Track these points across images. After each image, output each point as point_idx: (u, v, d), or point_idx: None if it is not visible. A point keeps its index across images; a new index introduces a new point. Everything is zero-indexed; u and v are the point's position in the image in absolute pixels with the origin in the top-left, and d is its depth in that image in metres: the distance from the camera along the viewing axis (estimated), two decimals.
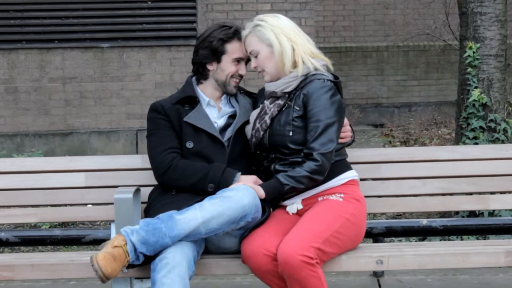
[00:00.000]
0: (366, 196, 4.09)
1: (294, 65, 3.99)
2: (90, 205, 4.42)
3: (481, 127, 6.59)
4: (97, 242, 4.99)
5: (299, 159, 3.91)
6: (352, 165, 4.12)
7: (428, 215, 6.52)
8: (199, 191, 3.91)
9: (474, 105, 6.59)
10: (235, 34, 4.10)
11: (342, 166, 4.02)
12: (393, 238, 5.92)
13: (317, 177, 3.88)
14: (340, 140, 4.00)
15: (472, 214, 6.23)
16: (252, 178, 3.96)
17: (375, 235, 5.06)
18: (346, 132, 4.09)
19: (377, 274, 5.33)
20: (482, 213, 6.24)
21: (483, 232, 5.34)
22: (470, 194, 4.46)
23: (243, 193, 3.74)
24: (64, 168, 4.40)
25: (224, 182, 3.90)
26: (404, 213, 6.71)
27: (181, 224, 3.66)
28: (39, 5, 9.81)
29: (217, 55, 4.11)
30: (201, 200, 3.77)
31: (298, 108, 3.95)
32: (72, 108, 9.84)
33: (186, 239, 3.69)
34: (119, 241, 3.63)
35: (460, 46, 6.88)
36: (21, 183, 4.37)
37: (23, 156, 8.45)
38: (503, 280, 5.28)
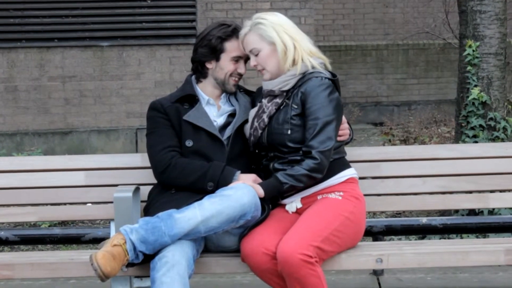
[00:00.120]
0: (365, 195, 4.09)
1: (293, 63, 3.99)
2: (90, 204, 4.42)
3: (480, 125, 6.59)
4: (97, 241, 4.98)
5: (298, 158, 3.91)
6: (351, 164, 4.12)
7: (428, 213, 6.53)
8: (198, 190, 3.91)
9: (473, 103, 6.58)
10: (234, 32, 4.10)
11: (341, 164, 4.02)
12: (392, 237, 5.92)
13: (316, 175, 3.88)
14: (338, 138, 3.99)
15: (471, 212, 6.23)
16: (252, 176, 3.96)
17: (374, 234, 5.06)
18: (345, 130, 4.09)
19: (376, 273, 5.33)
20: (482, 212, 6.24)
21: (482, 230, 5.34)
22: (470, 192, 4.46)
23: (243, 191, 3.74)
24: (64, 167, 4.40)
25: (223, 181, 3.90)
26: (403, 211, 6.71)
27: (181, 223, 3.66)
28: (39, 4, 9.81)
29: (216, 53, 4.11)
30: (201, 198, 3.77)
31: (296, 107, 3.94)
32: (71, 107, 9.84)
33: (186, 238, 3.69)
34: (119, 239, 3.63)
35: (459, 45, 6.88)
36: (21, 182, 4.36)
37: (22, 155, 8.45)
38: (502, 278, 5.28)
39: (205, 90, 4.18)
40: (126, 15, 9.90)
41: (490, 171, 4.38)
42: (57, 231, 5.17)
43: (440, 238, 5.92)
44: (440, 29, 12.01)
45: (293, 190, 3.93)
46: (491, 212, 6.24)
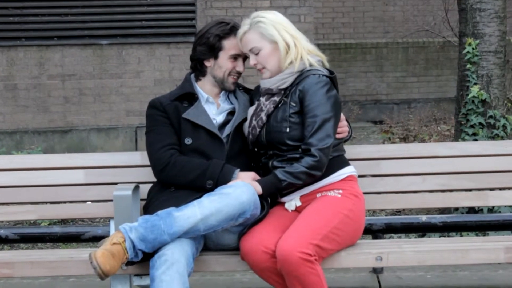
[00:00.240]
0: (365, 193, 4.09)
1: (292, 61, 3.99)
2: (90, 202, 4.42)
3: (480, 123, 6.59)
4: (97, 239, 4.99)
5: (297, 155, 3.91)
6: (351, 162, 4.11)
7: (428, 211, 6.53)
8: (197, 188, 3.90)
9: (473, 101, 6.59)
10: (232, 30, 4.09)
11: (340, 162, 4.02)
12: (392, 235, 5.92)
13: (315, 173, 3.88)
14: (337, 136, 3.99)
15: (471, 210, 6.23)
16: (251, 174, 3.96)
17: (374, 232, 5.06)
18: (343, 127, 4.08)
19: (376, 271, 5.33)
20: (482, 210, 6.24)
21: (482, 228, 5.35)
22: (470, 190, 4.46)
23: (242, 189, 3.74)
24: (64, 165, 4.40)
25: (222, 179, 3.89)
26: (403, 209, 6.71)
27: (180, 221, 3.66)
28: (38, 2, 9.80)
29: (214, 51, 4.10)
30: (200, 197, 3.77)
31: (294, 104, 3.94)
32: (71, 105, 9.84)
33: (185, 236, 3.69)
34: (118, 238, 3.63)
35: (459, 43, 6.88)
36: (21, 180, 4.37)
37: (22, 153, 8.45)
38: (502, 276, 5.28)
39: (204, 88, 4.18)
40: (126, 14, 9.89)
41: (489, 169, 4.38)
42: (56, 229, 5.17)
43: (439, 236, 5.92)
44: (440, 27, 12.01)
45: (292, 188, 3.92)
46: (491, 210, 6.24)
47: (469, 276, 5.29)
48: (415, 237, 6.06)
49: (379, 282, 5.22)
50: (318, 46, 4.12)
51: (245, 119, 4.09)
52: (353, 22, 14.31)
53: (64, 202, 4.46)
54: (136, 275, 3.92)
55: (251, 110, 4.07)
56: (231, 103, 4.18)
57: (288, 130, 3.93)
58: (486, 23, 6.58)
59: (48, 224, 6.56)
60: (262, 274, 3.81)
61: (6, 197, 4.35)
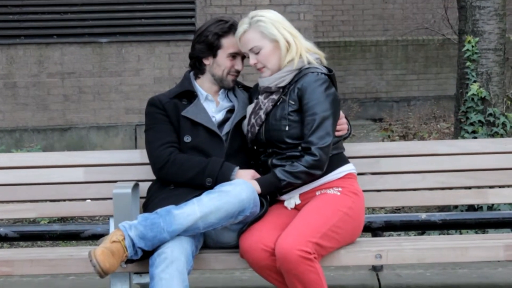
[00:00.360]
0: (365, 191, 4.09)
1: (291, 59, 3.98)
2: (89, 200, 4.42)
3: (480, 121, 6.59)
4: (96, 237, 4.99)
5: (296, 153, 3.90)
6: (351, 159, 4.11)
7: (427, 209, 6.53)
8: (197, 186, 3.90)
9: (473, 99, 6.58)
10: (231, 28, 4.08)
11: (339, 159, 4.02)
12: (392, 232, 5.92)
13: (315, 172, 3.88)
14: (336, 133, 3.99)
15: (471, 208, 6.23)
16: (250, 172, 3.96)
17: (374, 230, 5.07)
18: (342, 125, 4.08)
19: (376, 269, 5.33)
20: (481, 207, 6.24)
21: (482, 226, 5.34)
22: (469, 188, 4.46)
23: (242, 187, 3.73)
24: (63, 163, 4.40)
25: (222, 177, 3.89)
26: (403, 207, 6.71)
27: (179, 219, 3.66)
28: (38, 0, 9.79)
29: (212, 49, 4.10)
30: (199, 194, 3.77)
31: (293, 103, 3.94)
32: (71, 103, 9.83)
33: (185, 234, 3.69)
34: (118, 236, 3.63)
35: (459, 40, 6.88)
36: (20, 178, 4.37)
37: (22, 151, 8.45)
38: (502, 274, 5.28)
39: (203, 86, 4.17)
40: (125, 11, 9.88)
41: (489, 166, 4.38)
42: (56, 227, 5.17)
43: (439, 234, 5.93)
44: (439, 24, 12.01)
45: (291, 187, 3.92)
46: (490, 207, 6.24)
47: (469, 274, 5.29)
48: (415, 235, 6.06)
49: (378, 280, 5.22)
50: (318, 44, 4.11)
51: (244, 117, 4.09)
52: (353, 20, 14.30)
53: (64, 200, 4.46)
54: (136, 273, 3.92)
55: (250, 108, 4.07)
56: (230, 101, 4.18)
57: (287, 128, 3.93)
58: (485, 20, 6.58)
59: (48, 222, 6.55)
60: (261, 272, 3.81)
61: (6, 195, 4.35)
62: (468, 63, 6.59)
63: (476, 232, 5.90)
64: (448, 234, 5.98)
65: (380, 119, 12.50)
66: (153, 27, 9.91)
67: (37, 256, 4.08)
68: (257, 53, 3.99)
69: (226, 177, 3.89)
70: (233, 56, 4.11)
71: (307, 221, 3.77)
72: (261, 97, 4.04)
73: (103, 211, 4.36)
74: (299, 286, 3.69)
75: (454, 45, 10.25)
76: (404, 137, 9.31)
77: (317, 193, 3.95)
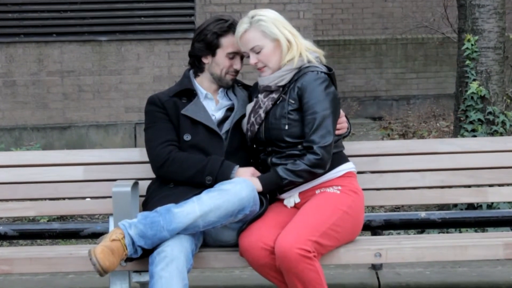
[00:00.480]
0: (364, 189, 4.09)
1: (291, 58, 3.98)
2: (89, 199, 4.42)
3: (479, 119, 6.58)
4: (96, 236, 4.98)
5: (296, 152, 3.90)
6: (350, 158, 4.11)
7: (427, 207, 6.53)
8: (197, 184, 3.90)
9: (472, 97, 6.58)
10: (230, 28, 4.07)
11: (339, 158, 4.02)
12: (391, 231, 5.92)
13: (318, 171, 3.87)
14: (336, 132, 3.98)
15: (470, 206, 6.23)
16: (250, 170, 3.96)
17: (373, 228, 5.06)
18: (342, 123, 4.08)
19: (375, 267, 5.33)
20: (481, 206, 6.24)
21: (481, 224, 5.34)
22: (469, 186, 4.46)
23: (241, 186, 3.73)
24: (63, 162, 4.40)
25: (222, 175, 3.89)
26: (402, 206, 6.71)
27: (179, 217, 3.66)
28: None
29: (211, 48, 4.09)
30: (199, 193, 3.77)
31: (293, 101, 3.93)
32: (70, 102, 9.83)
33: (184, 232, 3.69)
34: (117, 234, 3.63)
35: (458, 39, 6.87)
36: (20, 177, 4.36)
37: (21, 149, 8.44)
38: (501, 272, 5.28)
39: (202, 85, 4.17)
40: (125, 10, 9.89)
41: (488, 165, 4.38)
42: (55, 226, 5.16)
43: (438, 233, 5.93)
44: (439, 23, 12.00)
45: (292, 185, 3.92)
46: (490, 206, 6.24)
47: (468, 272, 5.29)
48: (414, 234, 6.06)
49: (378, 278, 5.22)
50: (317, 42, 4.12)
51: (244, 115, 4.09)
52: (352, 19, 14.31)
53: (63, 199, 4.46)
54: (135, 271, 3.92)
55: (249, 107, 4.07)
56: (230, 99, 4.18)
57: (287, 127, 3.93)
58: (485, 19, 6.57)
59: (47, 221, 6.55)
60: (261, 270, 3.81)
61: (5, 194, 4.35)
62: (467, 62, 6.58)
63: (475, 231, 5.90)
64: (447, 232, 5.98)
65: (380, 117, 12.51)
66: (153, 26, 9.91)
67: (36, 254, 4.08)
68: (258, 53, 3.98)
69: (226, 176, 3.89)
70: (232, 55, 4.10)
71: (307, 220, 3.76)
72: (260, 96, 4.03)
73: (102, 210, 4.35)
74: (299, 284, 3.69)
75: (453, 43, 10.24)
76: (403, 136, 9.31)
77: (317, 191, 3.95)
